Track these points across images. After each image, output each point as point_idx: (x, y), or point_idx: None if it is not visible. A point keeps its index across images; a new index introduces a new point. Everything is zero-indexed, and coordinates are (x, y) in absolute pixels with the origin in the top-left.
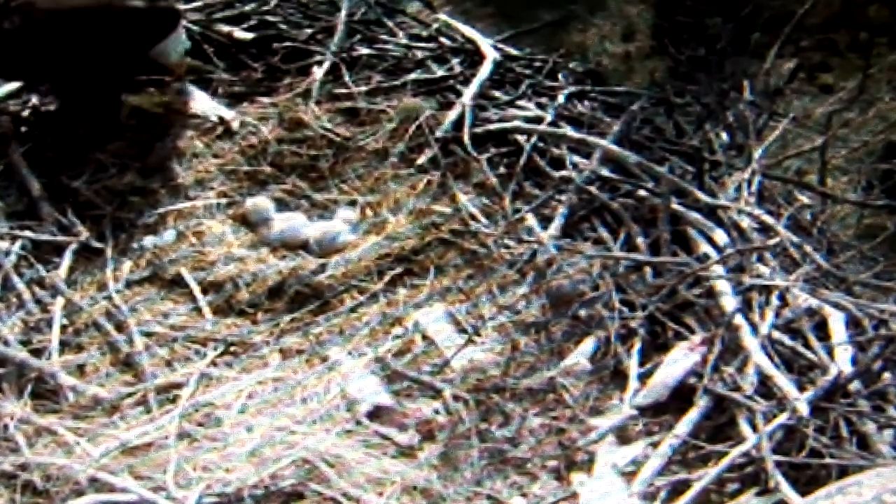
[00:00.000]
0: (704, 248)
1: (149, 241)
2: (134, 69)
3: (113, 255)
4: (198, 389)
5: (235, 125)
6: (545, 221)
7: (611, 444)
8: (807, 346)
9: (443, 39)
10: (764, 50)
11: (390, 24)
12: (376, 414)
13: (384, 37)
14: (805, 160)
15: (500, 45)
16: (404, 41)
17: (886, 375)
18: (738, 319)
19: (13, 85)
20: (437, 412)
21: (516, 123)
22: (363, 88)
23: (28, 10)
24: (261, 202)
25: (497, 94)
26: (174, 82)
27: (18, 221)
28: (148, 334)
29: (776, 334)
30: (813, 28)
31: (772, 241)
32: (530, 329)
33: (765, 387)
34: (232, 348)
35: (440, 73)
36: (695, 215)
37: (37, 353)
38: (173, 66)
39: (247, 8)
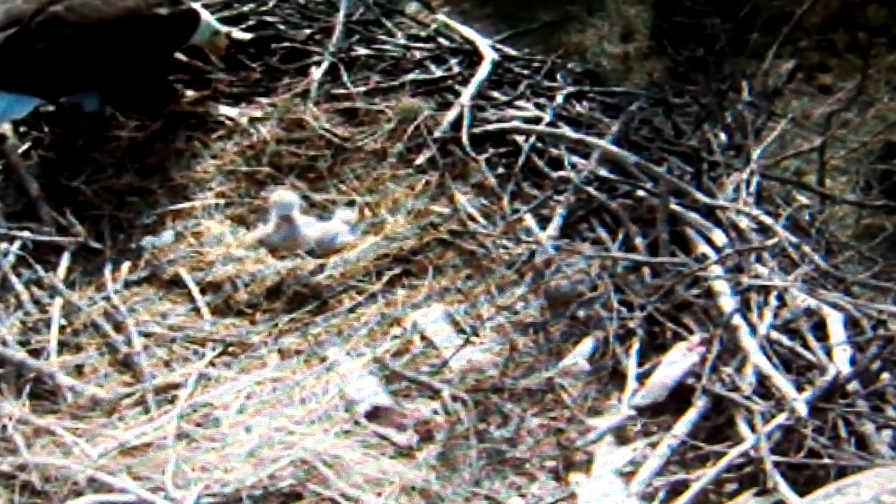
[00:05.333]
0: (703, 248)
1: (147, 241)
2: (167, 71)
3: (111, 255)
4: (196, 390)
5: (244, 122)
6: (544, 222)
7: (609, 444)
8: (805, 346)
9: (441, 40)
10: (762, 50)
11: (389, 24)
12: (375, 414)
13: (382, 37)
14: (804, 160)
15: (499, 46)
16: (403, 42)
17: (885, 376)
18: (737, 320)
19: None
20: (435, 412)
21: (515, 124)
22: (362, 89)
23: (56, 27)
24: (287, 194)
25: (495, 94)
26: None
27: (17, 222)
28: (146, 335)
29: (775, 335)
30: (811, 28)
31: (770, 242)
32: (529, 329)
33: (763, 387)
34: (230, 349)
35: (439, 73)
36: (693, 216)
37: (35, 353)
38: (209, 48)
39: (245, 8)
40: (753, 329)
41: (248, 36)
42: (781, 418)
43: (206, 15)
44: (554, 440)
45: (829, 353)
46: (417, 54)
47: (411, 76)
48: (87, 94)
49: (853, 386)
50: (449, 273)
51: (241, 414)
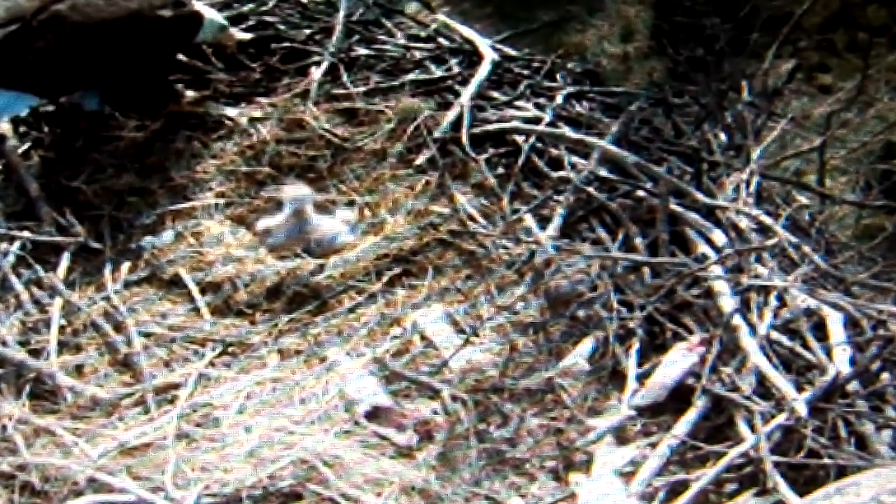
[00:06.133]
0: (703, 248)
1: (147, 241)
2: (168, 71)
3: (111, 255)
4: (196, 390)
5: (244, 122)
6: (543, 222)
7: (609, 444)
8: (805, 346)
9: (441, 40)
10: (762, 50)
11: (389, 24)
12: (375, 414)
13: (382, 37)
14: (803, 160)
15: (499, 46)
16: (403, 42)
17: (885, 376)
18: (737, 320)
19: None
20: (435, 413)
21: (515, 124)
22: (361, 89)
23: (58, 26)
24: (301, 188)
25: (495, 94)
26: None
27: (17, 222)
28: (146, 335)
29: (774, 335)
30: (811, 29)
31: (770, 242)
32: (529, 329)
33: (763, 387)
34: (230, 349)
35: (438, 73)
36: (693, 216)
37: (35, 353)
38: (217, 44)
39: (245, 8)
40: (753, 329)
41: (248, 36)
42: (781, 418)
43: (212, 12)
44: (554, 440)
45: (829, 353)
46: (417, 54)
47: (411, 76)
48: (88, 93)
49: (853, 386)
50: (449, 273)
51: (241, 414)
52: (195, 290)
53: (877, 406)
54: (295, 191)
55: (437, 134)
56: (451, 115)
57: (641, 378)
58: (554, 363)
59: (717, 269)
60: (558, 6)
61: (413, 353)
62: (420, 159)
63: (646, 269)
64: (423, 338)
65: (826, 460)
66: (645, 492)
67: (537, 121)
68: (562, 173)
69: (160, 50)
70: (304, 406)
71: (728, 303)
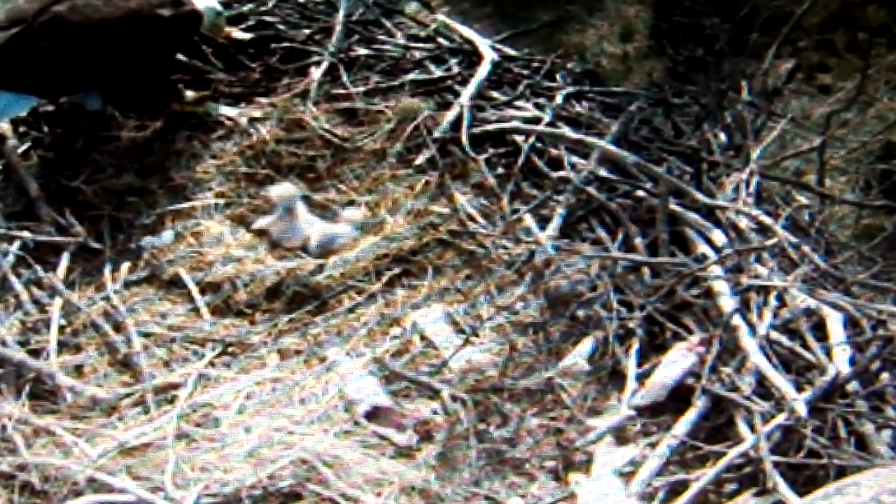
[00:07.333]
0: (702, 248)
1: (147, 241)
2: (169, 71)
3: (111, 255)
4: (196, 390)
5: (244, 122)
6: (543, 222)
7: (609, 444)
8: (805, 346)
9: (441, 40)
10: (762, 50)
11: (388, 24)
12: (374, 414)
13: (382, 37)
14: (803, 160)
15: (498, 46)
16: (402, 42)
17: (884, 376)
18: (737, 320)
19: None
20: (435, 413)
21: (514, 124)
22: (361, 89)
23: (58, 27)
24: (287, 189)
25: (495, 94)
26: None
27: (16, 222)
28: (146, 335)
29: (774, 335)
30: (811, 28)
31: (770, 242)
32: (528, 330)
33: (763, 387)
34: (230, 349)
35: (438, 73)
36: (693, 216)
37: (35, 353)
38: (213, 31)
39: (245, 8)
40: (753, 329)
41: (248, 36)
42: (781, 418)
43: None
44: (553, 440)
45: (828, 353)
46: (417, 54)
47: (411, 76)
48: (90, 93)
49: (853, 386)
50: (449, 273)
51: (241, 414)
52: (195, 290)
53: (877, 406)
54: (282, 190)
55: (436, 134)
56: (450, 115)
57: (641, 378)
58: (554, 363)
59: (716, 269)
60: (558, 6)
61: (413, 353)
62: (420, 159)
63: (646, 269)
64: (422, 338)
65: (826, 460)
66: (645, 492)
67: (537, 121)
68: (562, 173)
69: (160, 49)
70: (304, 406)
71: (728, 303)
